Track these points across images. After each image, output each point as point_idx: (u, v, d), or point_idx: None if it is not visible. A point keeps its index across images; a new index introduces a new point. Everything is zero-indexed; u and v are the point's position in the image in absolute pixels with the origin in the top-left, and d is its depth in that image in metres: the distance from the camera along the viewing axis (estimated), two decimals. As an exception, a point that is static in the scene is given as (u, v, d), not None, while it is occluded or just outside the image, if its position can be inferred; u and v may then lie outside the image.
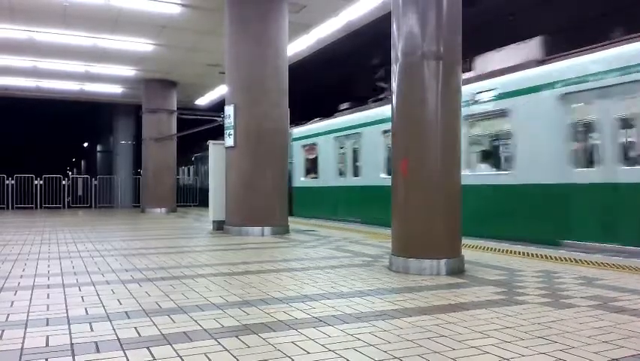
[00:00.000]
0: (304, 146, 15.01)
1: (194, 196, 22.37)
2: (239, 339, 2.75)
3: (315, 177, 14.52)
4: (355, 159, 12.51)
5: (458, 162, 5.01)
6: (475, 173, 8.88)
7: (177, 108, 17.40)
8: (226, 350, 2.58)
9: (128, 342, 2.69)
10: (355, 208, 12.06)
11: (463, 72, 5.81)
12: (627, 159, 6.87)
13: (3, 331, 2.90)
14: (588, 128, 7.41)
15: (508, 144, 8.40)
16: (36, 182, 19.10)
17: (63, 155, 43.19)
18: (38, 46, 12.53)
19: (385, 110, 10.61)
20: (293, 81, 9.30)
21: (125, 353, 2.51)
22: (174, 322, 3.10)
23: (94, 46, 12.58)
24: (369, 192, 11.50)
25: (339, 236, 8.31)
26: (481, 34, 12.38)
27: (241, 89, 8.80)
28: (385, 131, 10.79)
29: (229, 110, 8.83)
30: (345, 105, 13.84)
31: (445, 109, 4.85)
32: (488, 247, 6.64)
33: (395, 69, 5.05)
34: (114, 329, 2.93)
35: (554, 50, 7.93)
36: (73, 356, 2.48)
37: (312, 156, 14.85)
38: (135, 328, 2.96)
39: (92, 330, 2.91)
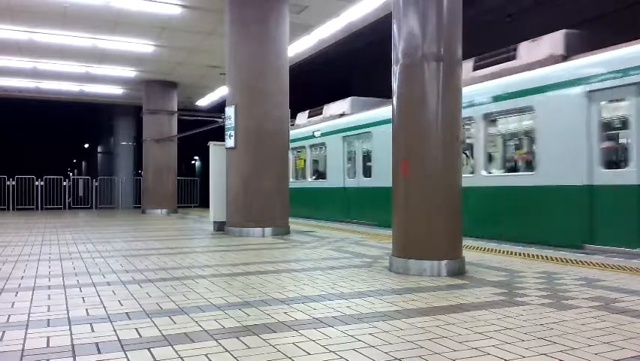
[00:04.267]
0: None
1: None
2: (239, 340, 2.75)
3: None
4: None
5: (458, 163, 5.01)
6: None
7: (178, 109, 17.41)
8: (227, 351, 2.58)
9: (129, 343, 2.69)
10: None
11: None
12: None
13: (4, 332, 2.91)
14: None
15: None
16: (37, 183, 19.13)
17: (64, 156, 43.17)
18: (38, 47, 12.54)
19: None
20: (294, 82, 9.30)
21: (125, 354, 2.51)
22: (175, 323, 3.10)
23: (94, 47, 12.58)
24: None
25: (338, 237, 8.31)
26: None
27: (242, 90, 8.80)
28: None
29: (229, 111, 8.84)
30: None
31: (446, 110, 4.85)
32: (489, 248, 6.64)
33: (395, 70, 5.06)
34: (115, 330, 2.93)
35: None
36: (74, 357, 2.48)
37: None
38: (136, 329, 2.96)
39: (92, 331, 2.92)
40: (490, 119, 8.74)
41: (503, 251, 6.37)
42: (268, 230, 8.59)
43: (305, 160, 15.06)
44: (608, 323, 3.08)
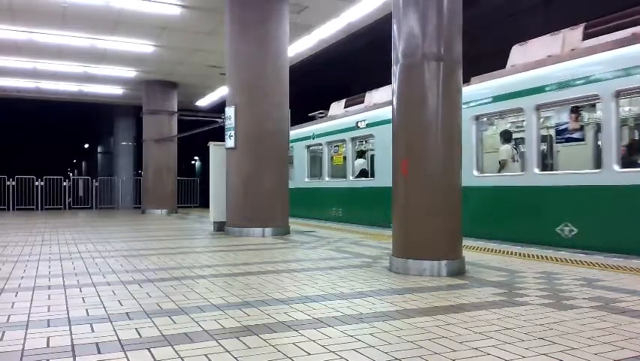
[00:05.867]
0: None
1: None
2: (239, 340, 2.75)
3: None
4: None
5: (458, 163, 5.01)
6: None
7: (178, 109, 17.42)
8: (227, 351, 2.58)
9: (129, 343, 2.69)
10: None
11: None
12: None
13: (4, 332, 2.90)
14: None
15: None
16: (37, 183, 19.15)
17: (64, 156, 43.21)
18: (38, 47, 12.54)
19: None
20: (294, 82, 9.30)
21: (125, 354, 2.51)
22: (175, 323, 3.10)
23: (94, 47, 12.59)
24: None
25: (338, 237, 8.31)
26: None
27: (242, 90, 8.81)
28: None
29: (229, 111, 8.84)
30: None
31: (446, 110, 4.85)
32: (489, 248, 6.64)
33: (395, 70, 5.06)
34: (115, 330, 2.93)
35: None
36: (74, 357, 2.48)
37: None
38: (136, 329, 2.96)
39: (92, 331, 2.91)
40: (629, 96, 6.80)
41: (503, 251, 6.38)
42: (268, 230, 8.59)
43: (345, 156, 12.93)
44: (608, 323, 3.08)
